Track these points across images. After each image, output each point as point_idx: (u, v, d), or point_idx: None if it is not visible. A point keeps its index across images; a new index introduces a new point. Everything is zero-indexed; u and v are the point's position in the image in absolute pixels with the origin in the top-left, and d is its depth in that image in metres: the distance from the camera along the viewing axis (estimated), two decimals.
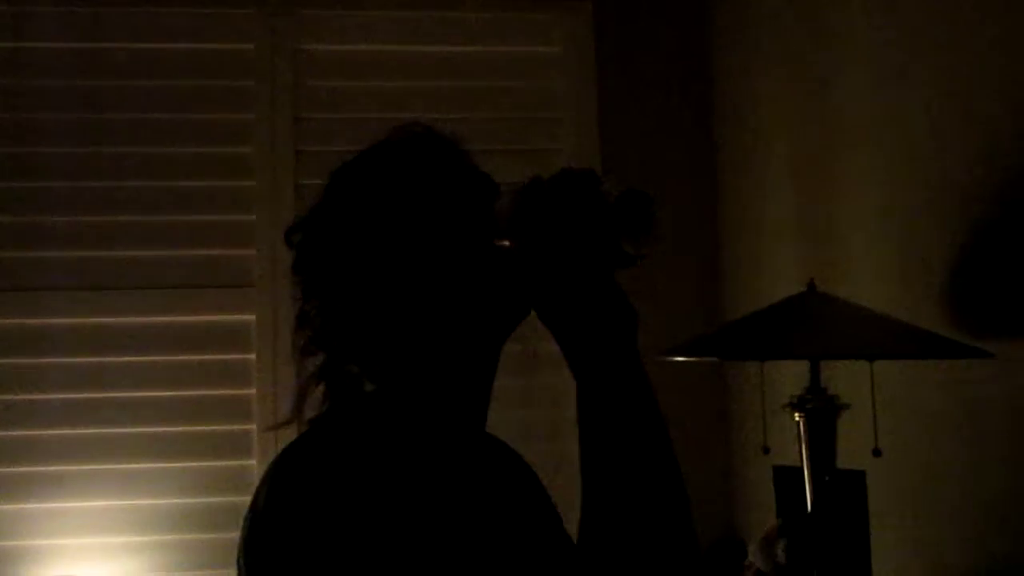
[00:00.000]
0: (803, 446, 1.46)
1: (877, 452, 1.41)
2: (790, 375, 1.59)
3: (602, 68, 2.84)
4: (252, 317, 2.69)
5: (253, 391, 2.65)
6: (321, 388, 0.96)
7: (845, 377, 1.56)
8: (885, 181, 1.83)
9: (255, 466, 2.53)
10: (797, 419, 1.46)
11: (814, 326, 1.42)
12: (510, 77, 2.84)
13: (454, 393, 0.95)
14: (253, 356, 2.67)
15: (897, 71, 1.79)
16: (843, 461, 1.51)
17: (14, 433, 2.60)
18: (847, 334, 1.40)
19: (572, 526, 0.93)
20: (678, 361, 1.53)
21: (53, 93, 2.72)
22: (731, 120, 2.71)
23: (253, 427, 2.60)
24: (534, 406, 2.68)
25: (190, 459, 2.58)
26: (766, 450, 1.52)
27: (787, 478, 1.66)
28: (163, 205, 2.70)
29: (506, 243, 0.91)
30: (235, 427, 2.61)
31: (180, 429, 2.62)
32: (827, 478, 1.45)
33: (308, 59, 2.79)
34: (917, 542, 1.71)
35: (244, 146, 2.73)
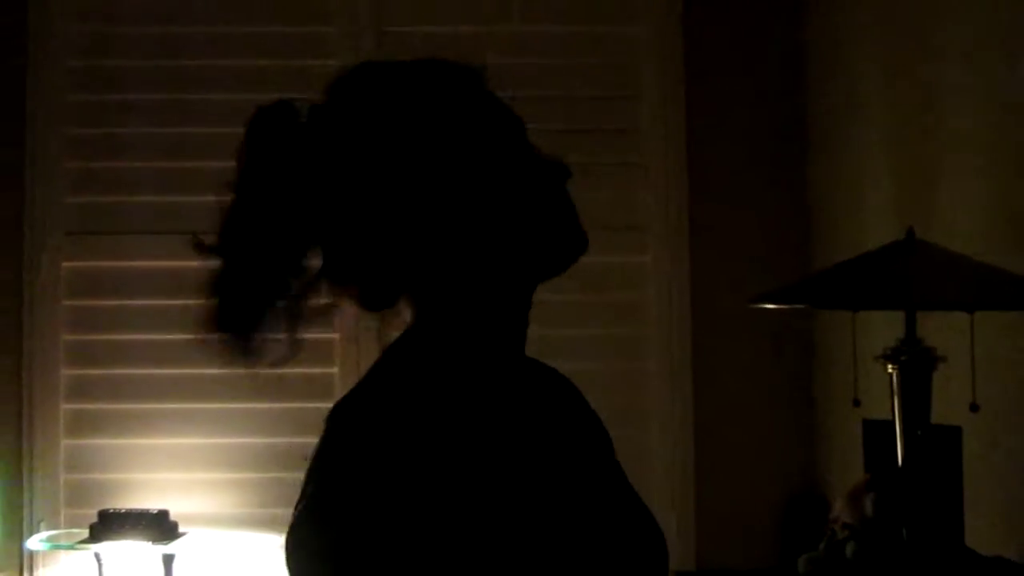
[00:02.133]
0: (896, 399, 1.42)
1: (975, 407, 1.36)
2: (881, 326, 1.54)
3: (687, 17, 2.75)
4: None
5: (336, 336, 2.68)
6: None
7: (940, 329, 1.50)
8: (987, 125, 1.74)
9: None
10: (891, 371, 1.41)
11: (912, 275, 1.36)
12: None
13: (495, 334, 0.88)
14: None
15: (1000, 25, 1.69)
16: (937, 416, 1.46)
17: (107, 371, 2.69)
18: (947, 284, 1.34)
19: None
20: (766, 309, 1.49)
21: (133, 39, 2.75)
22: (823, 59, 2.61)
23: (335, 370, 2.64)
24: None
25: (274, 400, 2.63)
26: (857, 402, 1.48)
27: (877, 432, 1.62)
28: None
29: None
30: (318, 370, 2.65)
31: (265, 371, 2.66)
32: (920, 433, 1.40)
33: (392, 38, 2.74)
34: (1012, 501, 1.65)
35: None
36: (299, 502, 0.80)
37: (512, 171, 0.85)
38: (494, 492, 0.78)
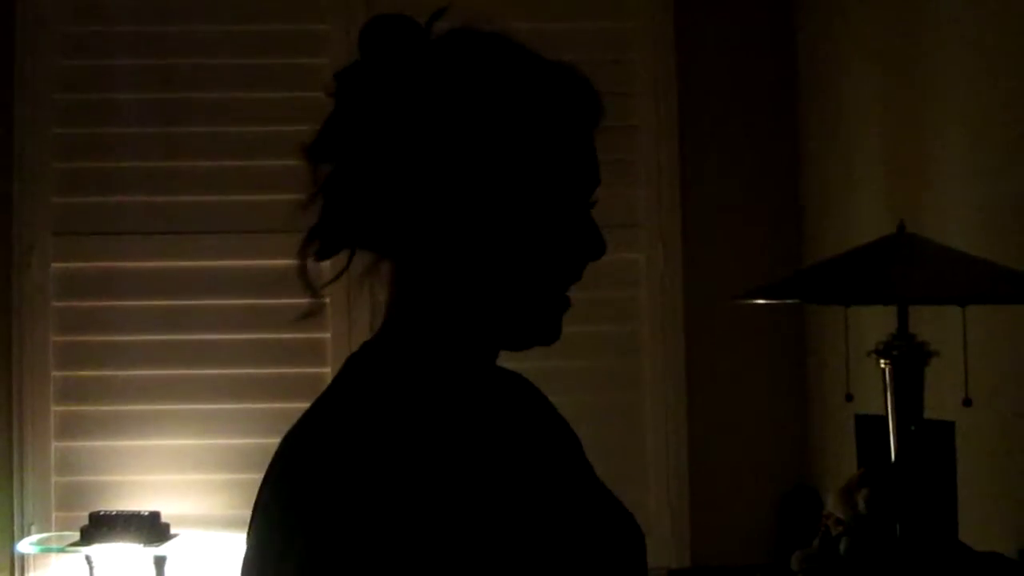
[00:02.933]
0: (889, 394, 1.41)
1: (967, 402, 1.36)
2: (873, 321, 1.53)
3: (679, 11, 2.74)
4: (327, 262, 2.70)
5: (328, 335, 2.67)
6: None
7: (933, 323, 1.50)
8: (978, 119, 1.74)
9: None
10: (883, 366, 1.41)
11: (904, 269, 1.36)
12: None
13: (472, 339, 0.83)
14: (328, 300, 2.69)
15: (994, 8, 1.69)
16: (930, 411, 1.45)
17: (97, 373, 2.67)
18: (939, 278, 1.34)
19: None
20: (756, 304, 1.48)
21: (122, 37, 2.73)
22: (815, 54, 2.61)
23: (328, 370, 2.63)
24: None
25: (267, 400, 2.63)
26: (849, 397, 1.48)
27: (870, 427, 1.61)
28: (236, 150, 2.71)
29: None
30: (311, 370, 2.64)
31: (257, 371, 2.66)
32: (913, 428, 1.40)
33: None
34: (1006, 497, 1.65)
35: (320, 90, 2.71)
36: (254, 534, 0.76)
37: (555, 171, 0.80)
38: (468, 502, 0.74)
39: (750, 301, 1.46)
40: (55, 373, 2.66)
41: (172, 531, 2.51)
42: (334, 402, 0.81)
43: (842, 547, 1.47)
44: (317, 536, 0.70)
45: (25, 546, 2.55)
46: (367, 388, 0.81)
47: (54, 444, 2.65)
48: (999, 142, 1.68)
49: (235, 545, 2.56)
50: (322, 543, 0.70)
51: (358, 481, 0.72)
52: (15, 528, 2.61)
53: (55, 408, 2.66)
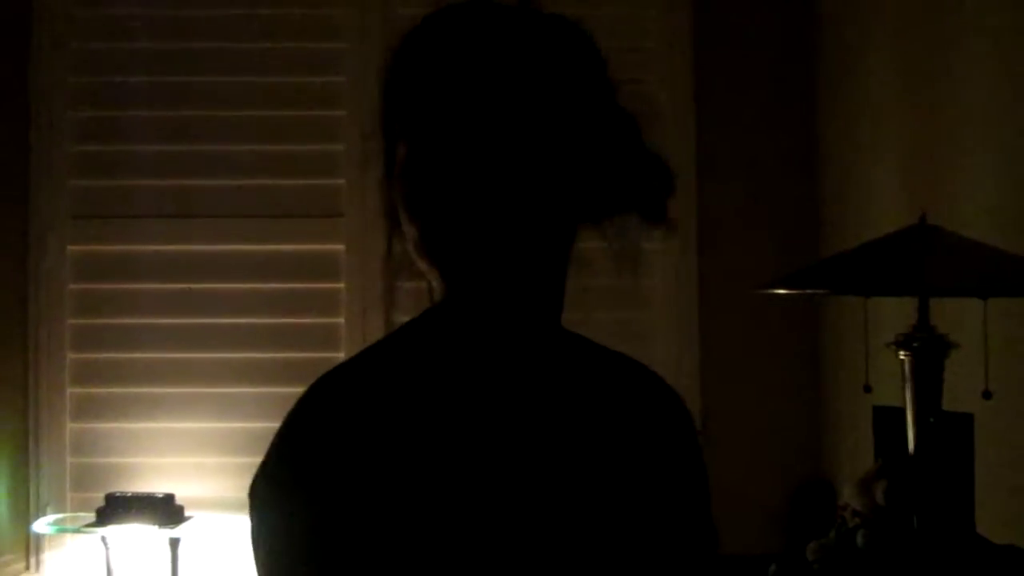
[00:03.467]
0: (908, 386, 1.40)
1: (987, 394, 1.34)
2: (892, 312, 1.52)
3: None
4: (341, 247, 2.70)
5: (342, 320, 2.67)
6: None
7: (952, 315, 1.49)
8: (1004, 109, 1.72)
9: None
10: (903, 358, 1.40)
11: (925, 261, 1.35)
12: None
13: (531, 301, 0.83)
14: (342, 285, 2.69)
15: (1018, 4, 1.67)
16: (949, 403, 1.44)
17: (113, 356, 2.69)
18: (960, 270, 1.32)
19: None
20: (770, 295, 1.47)
21: (137, 22, 2.73)
22: (834, 43, 2.59)
23: (342, 355, 2.63)
24: None
25: (280, 384, 2.63)
26: (867, 388, 1.46)
27: (888, 419, 1.60)
28: (251, 135, 2.71)
29: None
30: (325, 355, 2.65)
31: (271, 355, 2.67)
32: (932, 420, 1.39)
33: (401, 23, 2.73)
34: None
35: (334, 75, 2.71)
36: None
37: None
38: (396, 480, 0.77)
39: (770, 291, 1.45)
40: (71, 355, 2.68)
41: (187, 513, 2.52)
42: (349, 365, 0.88)
43: (859, 539, 1.46)
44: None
45: (41, 526, 2.56)
46: (373, 360, 0.85)
47: (69, 426, 2.67)
48: (1021, 132, 1.66)
49: (248, 528, 2.57)
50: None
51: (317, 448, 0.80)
52: (31, 509, 2.63)
53: (71, 390, 2.68)
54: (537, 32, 0.84)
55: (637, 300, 2.71)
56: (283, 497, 0.81)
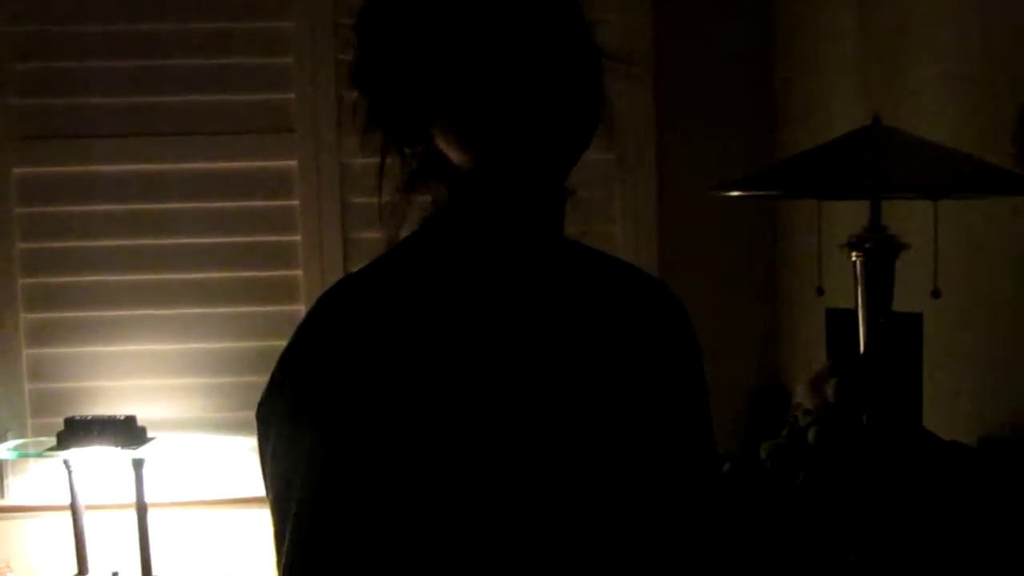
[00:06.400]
0: (859, 287, 1.42)
1: (936, 293, 1.37)
2: (845, 215, 1.54)
3: None
4: (294, 163, 2.66)
5: (299, 238, 2.64)
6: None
7: (904, 217, 1.50)
8: (956, 10, 1.72)
9: (302, 311, 2.56)
10: (854, 259, 1.42)
11: (876, 161, 1.35)
12: None
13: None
14: (296, 202, 2.66)
15: None
16: (899, 303, 1.47)
17: (68, 279, 2.65)
18: (912, 169, 1.33)
19: None
20: (729, 197, 1.48)
21: None
22: None
23: (299, 272, 2.62)
24: None
25: (238, 304, 2.61)
26: (820, 291, 1.49)
27: (840, 321, 1.63)
28: (201, 49, 2.64)
29: None
30: (282, 273, 2.63)
31: (227, 275, 2.64)
32: (882, 320, 1.41)
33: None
34: (971, 390, 1.68)
35: None
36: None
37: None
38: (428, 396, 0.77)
39: (724, 194, 1.45)
40: (23, 280, 2.63)
41: (149, 435, 2.52)
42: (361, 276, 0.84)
43: (810, 436, 1.50)
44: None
45: (2, 451, 2.56)
46: (385, 275, 0.83)
47: (25, 352, 2.64)
48: (977, 32, 1.66)
49: (212, 447, 2.58)
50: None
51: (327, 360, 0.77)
52: None
53: (25, 316, 2.64)
54: None
55: (597, 211, 2.70)
56: (293, 417, 0.77)
